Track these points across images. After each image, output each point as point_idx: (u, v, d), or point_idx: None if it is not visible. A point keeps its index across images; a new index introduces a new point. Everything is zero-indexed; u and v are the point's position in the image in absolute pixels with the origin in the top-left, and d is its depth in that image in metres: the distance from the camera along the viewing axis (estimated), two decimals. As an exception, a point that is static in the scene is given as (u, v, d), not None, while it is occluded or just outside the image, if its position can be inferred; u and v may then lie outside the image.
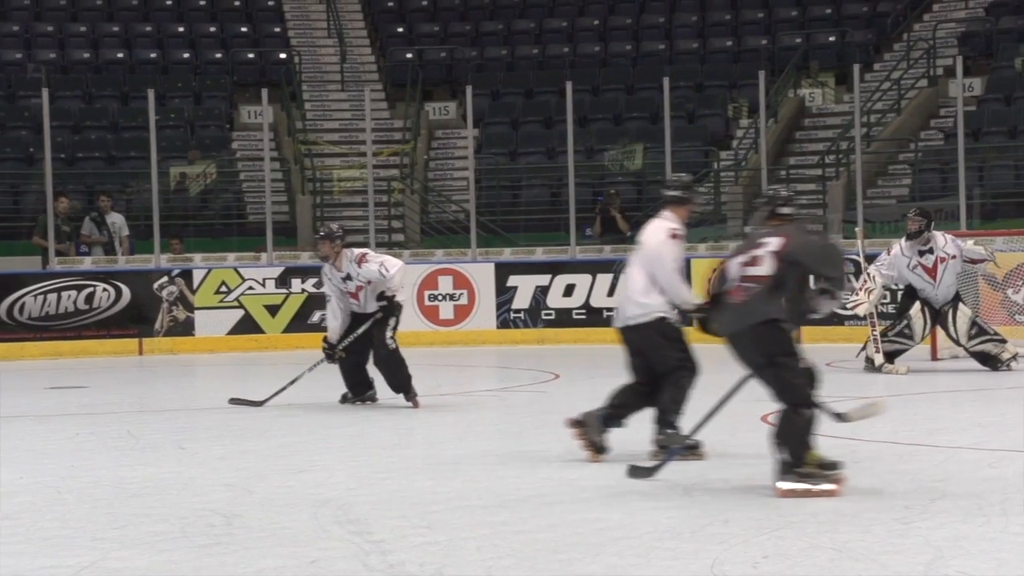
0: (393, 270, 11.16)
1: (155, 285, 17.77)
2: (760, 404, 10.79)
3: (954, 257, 13.58)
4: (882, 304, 14.50)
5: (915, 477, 7.42)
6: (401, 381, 11.20)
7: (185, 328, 17.76)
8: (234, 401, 11.39)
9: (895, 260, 13.72)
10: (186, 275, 17.86)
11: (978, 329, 13.49)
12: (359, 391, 11.43)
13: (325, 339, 11.41)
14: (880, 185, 22.03)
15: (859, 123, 19.17)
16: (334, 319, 11.36)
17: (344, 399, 11.43)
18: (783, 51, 24.81)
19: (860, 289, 13.99)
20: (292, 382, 11.40)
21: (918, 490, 7.00)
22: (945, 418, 10.72)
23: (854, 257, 14.97)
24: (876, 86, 23.51)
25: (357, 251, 11.41)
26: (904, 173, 22.28)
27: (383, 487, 7.50)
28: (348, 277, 11.24)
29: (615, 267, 18.08)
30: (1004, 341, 13.52)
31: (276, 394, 11.33)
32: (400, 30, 26.99)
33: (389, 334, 11.17)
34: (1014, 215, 19.71)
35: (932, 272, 13.60)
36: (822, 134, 23.61)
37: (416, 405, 11.09)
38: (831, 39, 25.43)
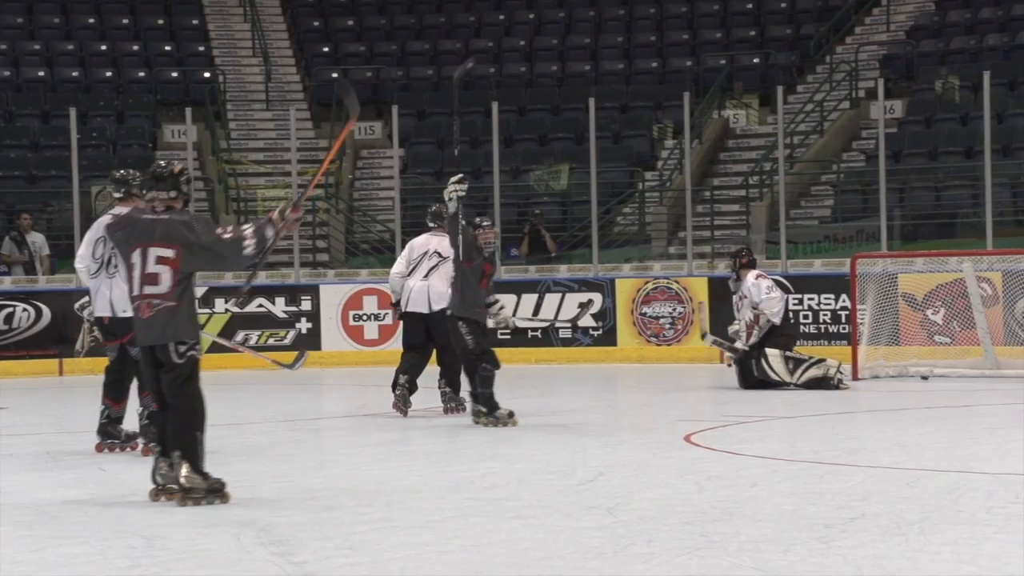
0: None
1: (76, 305, 17.59)
2: (683, 424, 10.90)
3: (744, 297, 13.98)
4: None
5: (835, 496, 7.48)
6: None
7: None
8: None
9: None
10: (108, 295, 17.68)
11: (794, 361, 13.75)
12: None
13: None
14: (803, 206, 22.22)
15: (782, 144, 19.36)
16: None
17: None
18: (707, 72, 25.00)
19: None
20: None
21: (838, 509, 7.05)
22: (865, 437, 10.82)
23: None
24: (799, 108, 23.73)
25: None
26: (826, 194, 22.50)
27: (306, 508, 7.46)
28: None
29: (540, 287, 18.13)
30: (822, 360, 13.81)
31: None
32: (325, 50, 26.93)
33: None
34: (934, 236, 19.95)
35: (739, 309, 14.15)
36: (746, 155, 23.80)
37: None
38: (755, 61, 25.65)
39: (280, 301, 17.96)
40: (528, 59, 26.47)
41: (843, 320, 17.04)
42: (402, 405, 11.95)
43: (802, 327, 17.21)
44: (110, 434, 10.01)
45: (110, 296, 9.73)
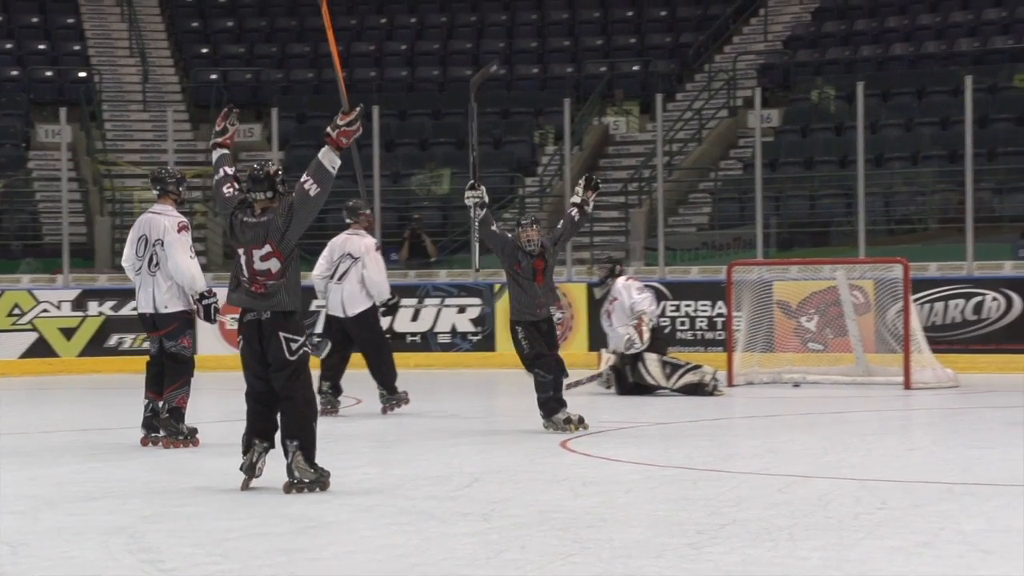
0: None
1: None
2: (561, 433, 10.93)
3: (615, 299, 14.07)
4: None
5: (708, 502, 7.54)
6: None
7: (-25, 351, 17.28)
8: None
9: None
10: (-22, 297, 17.38)
11: (671, 367, 13.90)
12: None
13: None
14: (681, 213, 22.43)
15: (661, 152, 19.51)
16: None
17: None
18: (588, 79, 25.14)
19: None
20: None
21: (710, 515, 7.11)
22: (739, 443, 10.94)
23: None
24: (678, 116, 23.95)
25: None
26: (704, 202, 22.73)
27: (178, 515, 7.37)
28: None
29: (419, 292, 18.10)
30: (699, 367, 13.98)
31: None
32: (204, 51, 26.69)
33: None
34: (809, 244, 20.25)
35: (609, 315, 14.17)
36: (626, 162, 23.97)
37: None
38: (635, 68, 25.85)
39: (156, 304, 17.74)
40: (410, 63, 26.44)
41: (719, 327, 17.22)
42: (330, 409, 12.02)
43: (679, 334, 17.36)
44: (155, 427, 10.18)
45: (153, 292, 10.07)
